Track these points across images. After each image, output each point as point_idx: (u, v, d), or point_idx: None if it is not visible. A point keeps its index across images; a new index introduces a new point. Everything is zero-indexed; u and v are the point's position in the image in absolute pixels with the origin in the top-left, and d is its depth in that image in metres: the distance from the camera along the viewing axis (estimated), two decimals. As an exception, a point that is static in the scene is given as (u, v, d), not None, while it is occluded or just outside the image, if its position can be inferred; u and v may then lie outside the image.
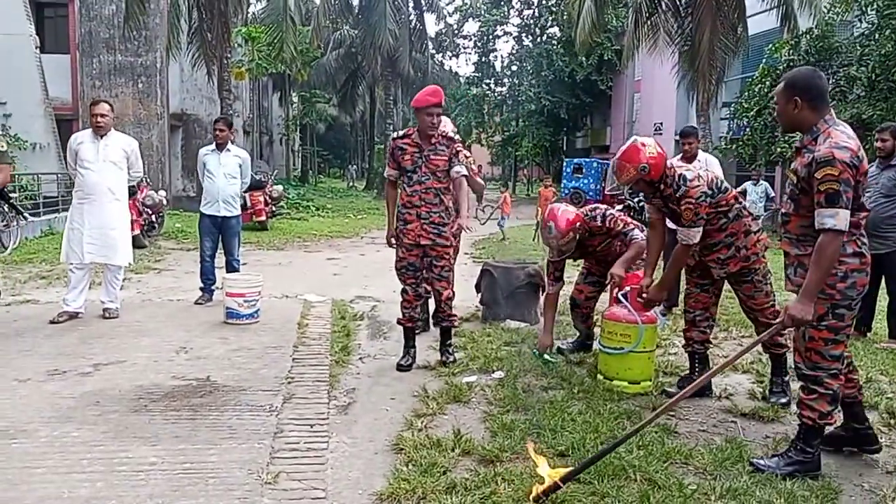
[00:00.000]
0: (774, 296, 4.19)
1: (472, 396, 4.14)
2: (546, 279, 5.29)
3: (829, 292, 3.03)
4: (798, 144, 3.20)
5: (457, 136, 4.98)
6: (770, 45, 17.09)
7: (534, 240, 14.31)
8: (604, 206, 4.94)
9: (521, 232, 16.41)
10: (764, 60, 17.22)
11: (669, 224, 4.32)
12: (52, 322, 5.83)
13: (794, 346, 3.25)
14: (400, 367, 4.75)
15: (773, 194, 15.43)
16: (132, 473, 3.07)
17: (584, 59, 30.68)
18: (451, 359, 4.85)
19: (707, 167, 5.91)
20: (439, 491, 2.88)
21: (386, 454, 3.35)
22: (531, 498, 2.78)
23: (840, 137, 2.99)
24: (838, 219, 2.89)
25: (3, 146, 6.02)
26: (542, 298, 6.41)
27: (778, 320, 3.16)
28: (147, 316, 6.28)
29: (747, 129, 17.37)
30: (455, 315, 4.98)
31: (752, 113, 16.79)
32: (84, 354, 4.94)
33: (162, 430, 3.58)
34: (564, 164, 25.10)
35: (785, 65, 16.12)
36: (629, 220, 4.89)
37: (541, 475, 2.84)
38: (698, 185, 3.94)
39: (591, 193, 22.60)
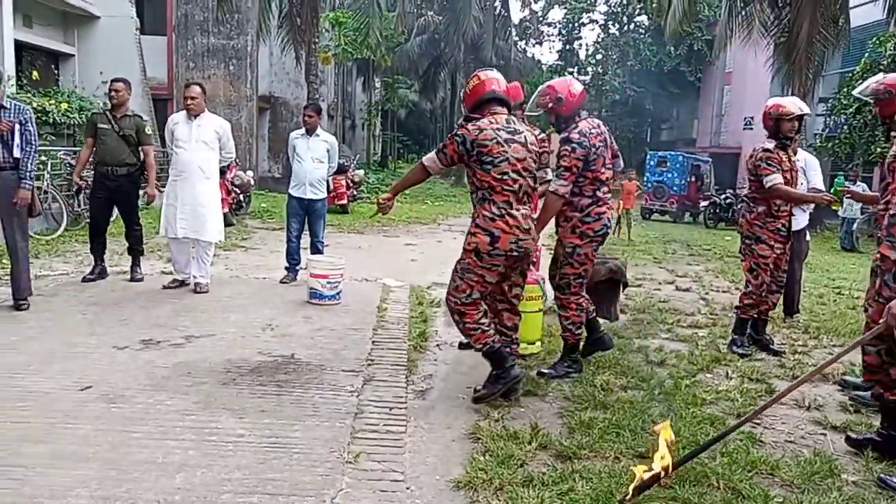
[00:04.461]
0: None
1: (548, 391, 4.12)
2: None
3: None
4: None
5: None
6: (874, 39, 16.17)
7: (614, 233, 14.08)
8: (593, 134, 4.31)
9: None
10: (866, 55, 16.32)
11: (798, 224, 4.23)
12: (164, 287, 6.40)
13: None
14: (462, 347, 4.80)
15: (870, 196, 14.64)
16: (221, 444, 3.21)
17: (672, 48, 29.92)
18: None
19: (805, 167, 5.67)
20: (516, 483, 2.89)
21: (462, 442, 3.38)
22: (631, 488, 2.71)
23: None
24: None
25: (148, 130, 6.49)
26: (622, 295, 6.32)
27: (882, 321, 3.03)
28: (235, 292, 6.53)
29: (845, 127, 16.54)
30: None
31: (850, 110, 15.98)
32: (177, 326, 5.18)
33: (249, 403, 3.72)
34: (648, 156, 24.49)
35: (889, 60, 15.24)
36: (573, 165, 4.16)
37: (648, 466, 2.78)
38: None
39: (675, 188, 21.98)
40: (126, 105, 6.56)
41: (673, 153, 24.37)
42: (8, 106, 5.28)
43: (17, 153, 5.26)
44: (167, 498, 2.69)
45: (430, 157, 3.90)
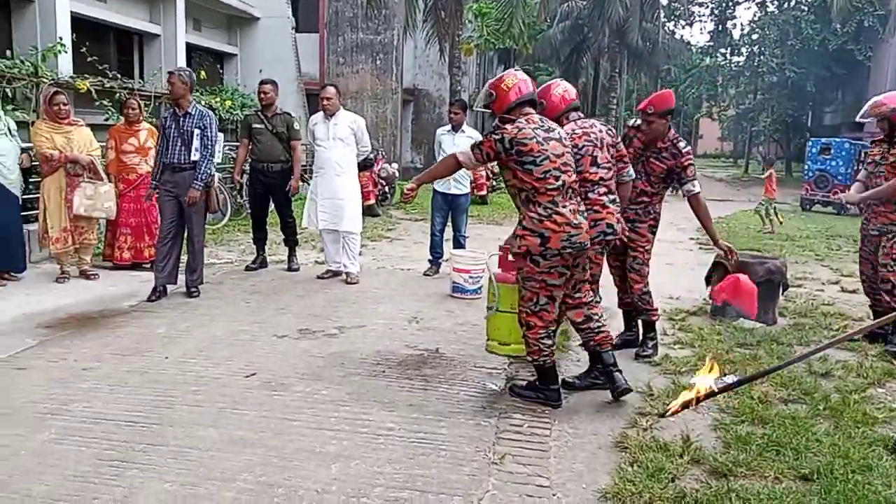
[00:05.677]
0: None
1: (701, 399, 3.94)
2: None
3: None
4: None
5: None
6: None
7: (765, 224, 13.25)
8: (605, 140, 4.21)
9: (752, 218, 15.21)
10: None
11: None
12: (318, 277, 6.80)
13: None
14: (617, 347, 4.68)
15: None
16: (373, 436, 3.34)
17: (839, 26, 27.54)
18: (648, 352, 4.73)
19: None
20: (667, 499, 2.79)
21: (609, 451, 3.31)
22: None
23: None
24: None
25: (296, 125, 6.94)
26: (781, 297, 5.94)
27: None
28: (382, 283, 6.78)
29: None
30: (656, 309, 4.81)
31: None
32: (330, 316, 5.45)
33: (398, 396, 3.85)
34: (809, 143, 22.73)
35: None
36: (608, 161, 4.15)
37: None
38: (501, 129, 3.72)
39: (839, 177, 20.26)
40: (275, 104, 6.98)
41: (838, 139, 22.48)
42: (192, 112, 5.77)
43: (195, 156, 5.72)
44: (324, 488, 2.84)
45: (464, 153, 3.88)
